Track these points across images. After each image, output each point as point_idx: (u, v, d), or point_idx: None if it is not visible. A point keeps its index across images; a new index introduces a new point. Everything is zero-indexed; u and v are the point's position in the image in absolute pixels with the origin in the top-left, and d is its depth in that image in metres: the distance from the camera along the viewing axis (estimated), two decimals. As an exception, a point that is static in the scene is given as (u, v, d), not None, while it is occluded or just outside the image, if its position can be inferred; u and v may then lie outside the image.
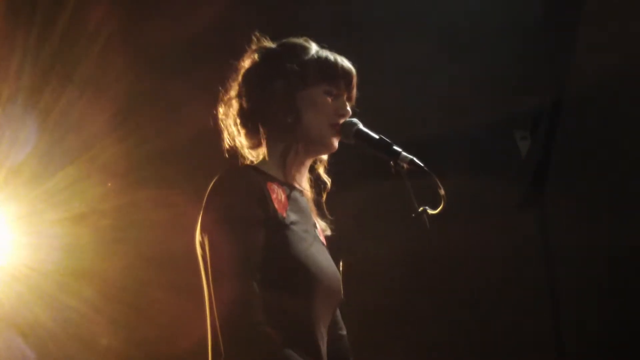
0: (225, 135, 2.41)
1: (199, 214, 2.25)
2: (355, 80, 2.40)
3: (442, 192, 2.19)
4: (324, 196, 2.43)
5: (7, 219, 4.55)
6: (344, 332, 2.43)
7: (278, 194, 2.24)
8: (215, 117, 2.43)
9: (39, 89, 4.40)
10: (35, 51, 4.30)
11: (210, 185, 2.23)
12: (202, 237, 2.22)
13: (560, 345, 4.44)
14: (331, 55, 2.37)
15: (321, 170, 2.46)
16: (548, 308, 4.52)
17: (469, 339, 4.52)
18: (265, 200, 2.18)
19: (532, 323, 4.48)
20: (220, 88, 2.43)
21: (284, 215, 2.21)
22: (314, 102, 2.33)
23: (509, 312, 4.48)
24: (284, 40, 2.43)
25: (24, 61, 4.30)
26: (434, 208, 2.20)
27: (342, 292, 2.33)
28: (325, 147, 2.37)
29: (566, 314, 4.46)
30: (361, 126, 2.34)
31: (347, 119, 2.36)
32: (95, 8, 4.33)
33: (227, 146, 2.42)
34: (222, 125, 2.42)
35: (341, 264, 2.35)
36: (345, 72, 2.37)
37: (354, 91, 2.41)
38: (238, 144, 2.41)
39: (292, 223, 2.22)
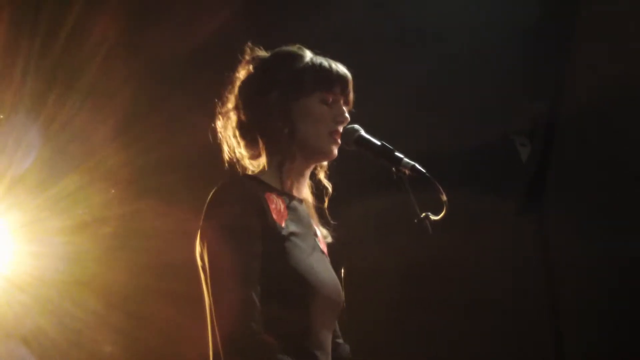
0: (225, 147, 2.41)
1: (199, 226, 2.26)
2: (351, 84, 2.37)
3: (444, 198, 2.18)
4: (326, 201, 2.42)
5: (10, 228, 4.56)
6: (341, 340, 2.42)
7: (277, 204, 2.23)
8: (214, 131, 2.43)
9: (42, 97, 4.41)
10: (39, 59, 4.31)
11: (210, 196, 2.22)
12: (202, 248, 2.21)
13: (560, 356, 4.43)
14: (325, 62, 2.35)
15: (322, 176, 2.45)
16: (548, 318, 4.51)
17: (469, 349, 4.51)
18: (263, 210, 2.17)
19: (532, 333, 4.47)
20: (216, 100, 2.43)
21: (283, 225, 2.20)
22: (310, 111, 2.32)
23: (508, 321, 4.47)
24: (277, 50, 2.42)
25: (27, 69, 4.31)
26: (436, 214, 2.19)
27: (342, 301, 2.32)
28: (324, 155, 2.36)
29: (567, 325, 4.45)
30: (363, 132, 2.33)
31: (349, 126, 2.34)
32: (99, 17, 4.33)
33: (227, 158, 2.41)
34: (222, 138, 2.41)
35: (342, 271, 2.34)
36: (341, 78, 2.35)
37: (351, 95, 2.38)
38: (238, 155, 2.41)
39: (291, 233, 2.21)
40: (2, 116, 4.40)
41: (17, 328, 4.49)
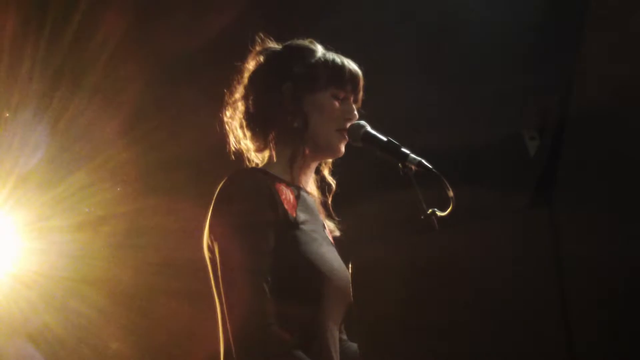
0: (231, 137, 2.40)
1: (207, 219, 2.24)
2: (362, 83, 2.39)
3: (450, 193, 2.18)
4: (330, 198, 2.42)
5: (17, 225, 4.56)
6: (345, 337, 2.41)
7: (287, 195, 2.23)
8: (221, 121, 2.42)
9: (48, 96, 4.40)
10: (45, 57, 4.30)
11: (218, 188, 2.21)
12: (211, 241, 2.20)
13: (571, 355, 4.41)
14: (338, 58, 2.37)
15: (326, 173, 2.46)
16: (559, 316, 4.49)
17: (477, 347, 4.49)
18: (274, 201, 2.17)
19: (542, 331, 4.45)
20: (225, 90, 2.42)
21: (294, 215, 2.20)
22: (321, 106, 2.32)
23: (518, 319, 4.45)
24: (289, 42, 2.43)
25: (34, 67, 4.31)
26: (443, 210, 2.19)
27: (351, 293, 2.31)
28: (331, 152, 2.37)
29: (577, 323, 4.43)
30: (369, 128, 2.33)
31: (355, 122, 2.35)
32: (105, 15, 4.33)
33: (232, 149, 2.41)
34: (228, 128, 2.41)
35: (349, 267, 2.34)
36: (353, 76, 2.36)
37: (361, 94, 2.40)
38: (244, 146, 2.40)
39: (302, 223, 2.21)
40: (8, 114, 4.41)
41: (23, 325, 4.50)
